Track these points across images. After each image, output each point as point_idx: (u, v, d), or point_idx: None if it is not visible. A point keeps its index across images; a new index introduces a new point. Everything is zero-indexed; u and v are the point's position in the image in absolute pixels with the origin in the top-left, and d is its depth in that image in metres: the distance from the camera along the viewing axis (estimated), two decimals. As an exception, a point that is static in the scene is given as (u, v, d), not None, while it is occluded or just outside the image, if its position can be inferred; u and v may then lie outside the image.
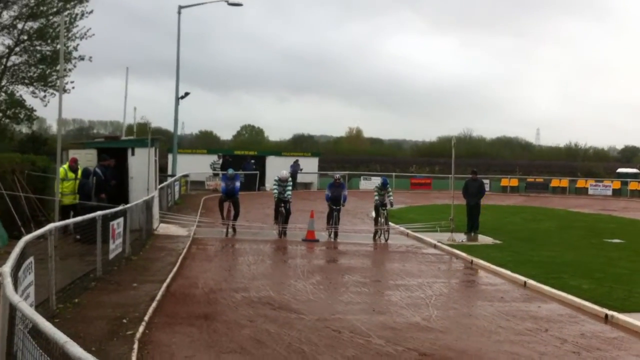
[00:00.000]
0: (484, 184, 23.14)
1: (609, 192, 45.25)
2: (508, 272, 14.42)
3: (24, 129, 36.56)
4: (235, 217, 20.65)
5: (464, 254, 17.18)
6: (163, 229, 20.22)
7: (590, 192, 45.63)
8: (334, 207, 20.39)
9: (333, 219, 20.37)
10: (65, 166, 16.87)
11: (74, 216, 13.81)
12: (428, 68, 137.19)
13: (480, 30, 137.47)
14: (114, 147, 19.89)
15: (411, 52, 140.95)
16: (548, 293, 12.52)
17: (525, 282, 13.44)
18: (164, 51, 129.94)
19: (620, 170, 51.55)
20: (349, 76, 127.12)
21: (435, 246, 19.06)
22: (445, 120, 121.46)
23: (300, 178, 41.38)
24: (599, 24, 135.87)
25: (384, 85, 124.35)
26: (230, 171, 21.49)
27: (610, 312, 10.70)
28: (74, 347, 4.18)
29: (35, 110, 29.47)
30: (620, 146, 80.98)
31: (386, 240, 20.04)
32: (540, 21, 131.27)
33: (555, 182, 47.29)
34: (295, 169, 39.66)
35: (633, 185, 45.25)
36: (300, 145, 67.82)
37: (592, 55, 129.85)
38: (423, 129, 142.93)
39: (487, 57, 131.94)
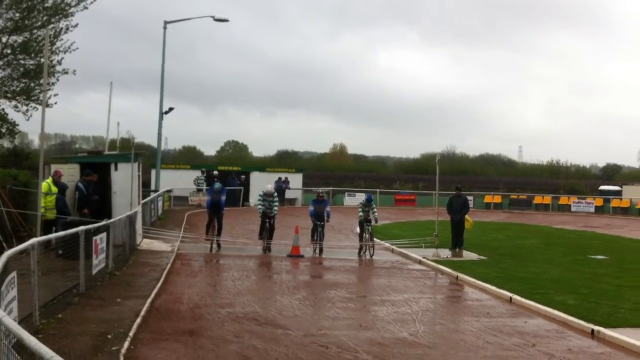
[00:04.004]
0: (467, 200, 23.19)
1: (592, 209, 45.57)
2: (494, 288, 14.41)
3: (5, 143, 36.19)
4: (219, 232, 20.52)
5: (449, 270, 17.18)
6: (146, 244, 20.04)
7: (573, 209, 45.92)
8: (318, 222, 20.36)
9: (318, 234, 20.33)
10: (49, 180, 16.66)
11: (56, 231, 13.65)
12: (417, 82, 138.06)
13: (473, 43, 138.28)
14: (96, 162, 19.76)
15: (402, 65, 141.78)
16: (534, 309, 12.51)
17: (511, 298, 13.44)
18: (148, 64, 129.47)
19: (602, 187, 51.94)
20: (336, 90, 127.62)
21: (420, 262, 19.04)
22: (430, 136, 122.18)
23: (286, 194, 41.35)
24: (591, 39, 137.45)
25: (371, 100, 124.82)
26: (217, 185, 21.33)
27: (596, 328, 10.70)
28: (60, 362, 4.10)
29: (17, 125, 29.18)
30: (602, 164, 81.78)
31: (371, 256, 19.99)
32: (534, 35, 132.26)
33: (538, 199, 47.56)
34: (280, 186, 39.61)
35: (615, 203, 45.61)
36: (285, 161, 67.77)
37: (584, 70, 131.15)
38: (407, 145, 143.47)
39: (478, 71, 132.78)
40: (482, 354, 9.38)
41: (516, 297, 13.32)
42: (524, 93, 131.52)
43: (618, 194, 48.30)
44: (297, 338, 9.74)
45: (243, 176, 41.35)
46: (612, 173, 74.21)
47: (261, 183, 29.81)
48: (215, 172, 39.27)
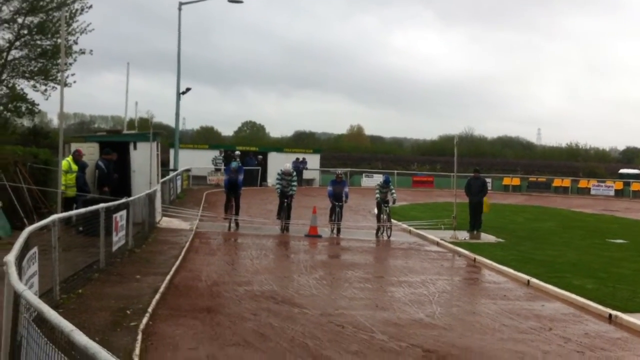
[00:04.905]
0: (486, 182, 23.11)
1: (612, 193, 45.13)
2: (511, 271, 14.37)
3: (25, 122, 36.49)
4: (237, 211, 20.58)
5: (466, 252, 17.14)
6: (166, 222, 20.18)
7: (593, 192, 45.47)
8: (337, 203, 20.38)
9: (336, 215, 20.36)
10: (70, 158, 16.78)
11: (77, 208, 13.76)
12: (434, 63, 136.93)
13: (489, 24, 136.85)
14: (116, 141, 19.82)
15: (418, 46, 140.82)
16: (552, 292, 12.47)
17: (528, 281, 13.40)
18: (165, 44, 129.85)
19: (622, 170, 51.40)
20: (353, 71, 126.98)
21: (438, 244, 19.02)
22: (447, 118, 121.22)
23: (303, 174, 41.38)
24: (610, 19, 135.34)
25: (387, 81, 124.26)
26: (234, 164, 21.33)
27: (614, 312, 10.65)
28: (79, 336, 4.13)
29: (37, 104, 29.43)
30: (622, 147, 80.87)
31: (389, 237, 19.99)
32: (550, 16, 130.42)
33: (557, 182, 47.14)
34: (297, 166, 39.61)
35: (635, 186, 45.08)
36: (302, 141, 67.74)
37: (602, 51, 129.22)
38: (424, 127, 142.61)
39: (494, 52, 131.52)
40: (498, 336, 9.37)
41: (534, 280, 13.27)
42: (542, 74, 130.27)
43: (638, 177, 47.79)
44: (313, 317, 9.79)
45: (261, 156, 41.41)
46: (632, 156, 73.35)
47: (279, 163, 29.79)
48: (238, 152, 39.28)
